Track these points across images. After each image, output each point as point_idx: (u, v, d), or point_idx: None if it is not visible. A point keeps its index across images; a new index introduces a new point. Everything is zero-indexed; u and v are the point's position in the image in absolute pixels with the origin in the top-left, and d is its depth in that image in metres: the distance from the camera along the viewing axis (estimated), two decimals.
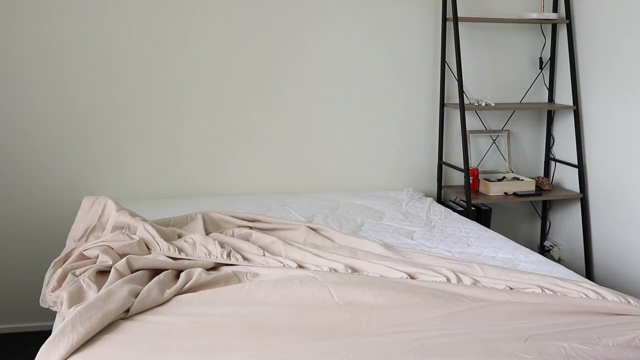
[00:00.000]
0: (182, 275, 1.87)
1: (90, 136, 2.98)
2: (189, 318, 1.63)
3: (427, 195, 3.25)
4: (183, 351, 1.46)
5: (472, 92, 3.28)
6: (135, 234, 2.16)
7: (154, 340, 1.51)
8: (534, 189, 3.19)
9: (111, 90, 2.96)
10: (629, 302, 1.69)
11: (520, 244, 3.44)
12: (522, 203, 3.47)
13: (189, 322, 1.60)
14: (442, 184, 3.34)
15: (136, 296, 1.68)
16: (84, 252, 2.02)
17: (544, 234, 3.51)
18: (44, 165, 2.95)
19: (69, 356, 1.43)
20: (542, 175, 3.42)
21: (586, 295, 1.73)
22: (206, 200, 2.93)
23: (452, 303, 1.70)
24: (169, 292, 1.75)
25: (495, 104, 3.21)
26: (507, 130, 3.39)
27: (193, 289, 1.81)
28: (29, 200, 2.96)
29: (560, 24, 3.27)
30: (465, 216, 3.02)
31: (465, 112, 3.09)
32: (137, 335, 1.54)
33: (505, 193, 3.15)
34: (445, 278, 1.86)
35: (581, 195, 3.17)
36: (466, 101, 3.21)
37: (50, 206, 2.97)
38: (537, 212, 3.51)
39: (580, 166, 3.17)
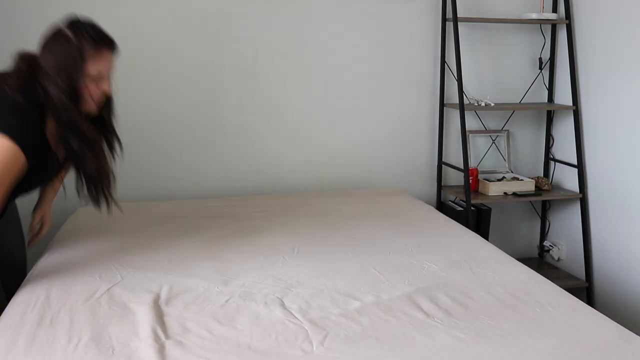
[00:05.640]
0: None
1: None
2: None
3: (427, 196, 3.26)
4: None
5: (472, 92, 3.28)
6: None
7: None
8: (533, 189, 3.19)
9: None
10: None
11: (520, 244, 3.50)
12: (521, 203, 3.47)
13: None
14: (442, 184, 3.34)
15: None
16: None
17: (543, 234, 3.51)
18: None
19: None
20: (542, 176, 3.42)
21: None
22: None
23: None
24: None
25: (494, 104, 3.21)
26: (506, 130, 3.39)
27: None
28: (27, 201, 2.95)
29: (560, 24, 3.28)
30: (465, 216, 3.02)
31: (465, 112, 3.09)
32: None
33: (505, 193, 3.15)
34: None
35: (581, 196, 3.17)
36: (466, 101, 3.21)
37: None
38: (536, 212, 3.51)
39: (580, 166, 3.17)
